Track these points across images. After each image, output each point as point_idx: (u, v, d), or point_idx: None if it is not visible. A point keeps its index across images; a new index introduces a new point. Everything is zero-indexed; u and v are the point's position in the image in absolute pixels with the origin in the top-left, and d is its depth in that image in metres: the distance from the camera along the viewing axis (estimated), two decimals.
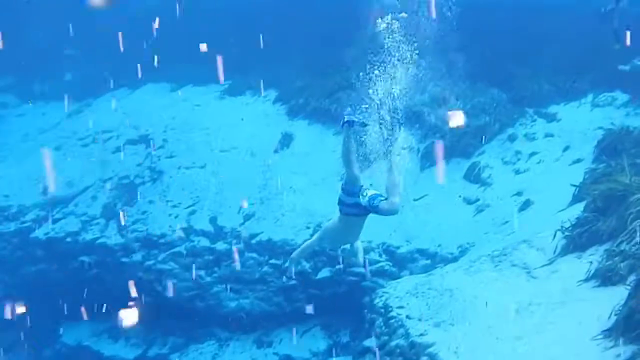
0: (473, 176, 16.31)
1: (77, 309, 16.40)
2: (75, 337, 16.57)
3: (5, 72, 24.60)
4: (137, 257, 16.12)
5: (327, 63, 19.19)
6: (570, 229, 10.22)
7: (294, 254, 9.78)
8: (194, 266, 15.72)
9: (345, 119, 8.34)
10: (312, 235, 11.88)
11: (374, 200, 8.35)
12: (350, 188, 8.56)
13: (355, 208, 8.61)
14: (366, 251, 14.91)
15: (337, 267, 15.13)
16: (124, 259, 16.16)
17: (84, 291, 16.15)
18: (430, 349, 9.18)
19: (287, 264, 11.03)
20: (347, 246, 9.64)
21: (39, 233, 16.84)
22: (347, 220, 8.87)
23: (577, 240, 9.93)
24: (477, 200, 15.57)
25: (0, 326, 16.28)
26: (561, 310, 8.50)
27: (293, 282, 14.11)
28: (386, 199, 8.31)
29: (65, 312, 16.52)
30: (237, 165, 17.77)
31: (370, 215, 8.61)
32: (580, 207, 11.00)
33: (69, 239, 16.58)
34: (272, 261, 15.38)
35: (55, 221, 17.00)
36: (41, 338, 16.79)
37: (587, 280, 8.80)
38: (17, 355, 16.72)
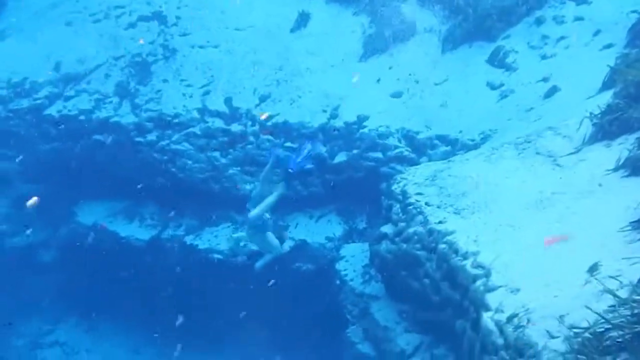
0: (497, 60, 15.65)
1: (92, 188, 16.40)
2: (91, 216, 16.65)
3: None
4: (152, 137, 15.86)
5: None
6: (599, 116, 9.79)
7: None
8: None
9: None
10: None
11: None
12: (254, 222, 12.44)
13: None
14: (384, 136, 14.65)
15: (354, 152, 14.87)
16: (138, 139, 15.92)
17: (98, 170, 16.09)
18: (450, 237, 9.04)
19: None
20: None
21: (52, 110, 16.54)
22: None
23: (606, 128, 9.51)
24: (501, 85, 15.00)
25: (17, 205, 16.37)
26: (587, 200, 8.24)
27: (310, 166, 13.73)
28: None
29: (81, 191, 16.57)
30: (252, 45, 17.19)
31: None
32: (610, 94, 10.50)
33: (82, 117, 16.30)
34: (288, 144, 15.05)
35: (67, 99, 16.68)
36: (57, 216, 16.92)
37: (616, 169, 8.47)
38: (33, 233, 16.91)
